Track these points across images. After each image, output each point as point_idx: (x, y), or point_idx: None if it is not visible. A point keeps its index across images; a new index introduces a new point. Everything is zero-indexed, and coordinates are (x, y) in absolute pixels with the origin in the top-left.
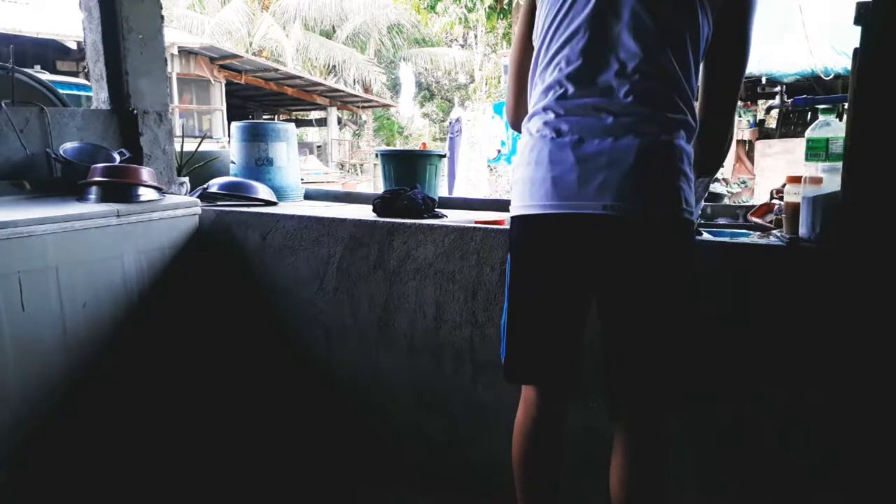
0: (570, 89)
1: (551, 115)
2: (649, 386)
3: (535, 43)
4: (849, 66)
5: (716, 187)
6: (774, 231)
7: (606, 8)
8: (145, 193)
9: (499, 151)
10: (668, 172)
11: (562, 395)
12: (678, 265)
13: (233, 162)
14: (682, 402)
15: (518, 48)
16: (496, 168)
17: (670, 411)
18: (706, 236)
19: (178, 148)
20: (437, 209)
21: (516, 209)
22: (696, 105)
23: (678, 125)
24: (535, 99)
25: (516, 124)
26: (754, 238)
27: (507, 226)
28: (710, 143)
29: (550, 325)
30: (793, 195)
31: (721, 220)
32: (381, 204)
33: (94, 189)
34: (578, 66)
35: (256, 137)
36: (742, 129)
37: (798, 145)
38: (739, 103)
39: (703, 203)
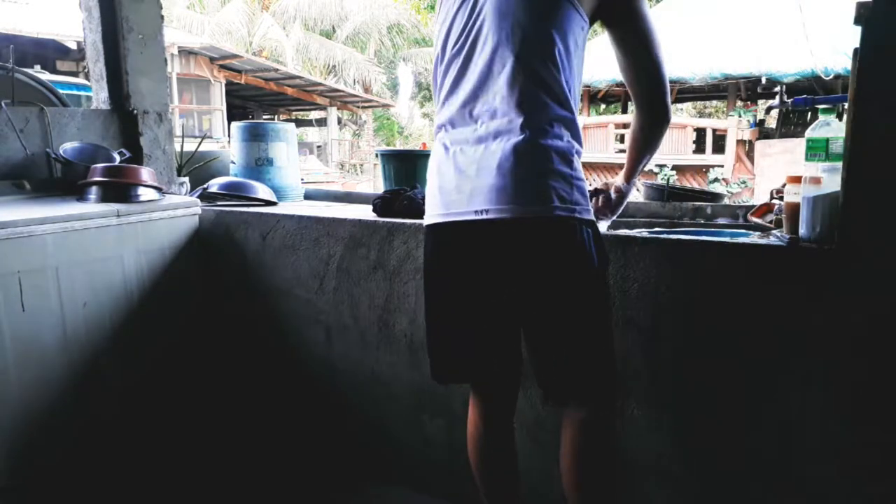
0: (454, 106)
1: (443, 132)
2: (559, 379)
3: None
4: (849, 66)
5: (716, 187)
6: (774, 231)
7: (476, 20)
8: (145, 193)
9: None
10: (534, 173)
11: (488, 392)
12: (562, 261)
13: (233, 162)
14: (612, 390)
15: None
16: None
17: (601, 398)
18: (706, 237)
19: (178, 148)
20: None
21: (425, 219)
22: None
23: (549, 123)
24: (436, 117)
25: None
26: (754, 238)
27: None
28: (644, 145)
29: (454, 328)
30: (793, 195)
31: (721, 220)
32: (381, 204)
33: (93, 189)
34: (460, 83)
35: (256, 137)
36: (742, 129)
37: (798, 145)
38: (739, 103)
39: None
